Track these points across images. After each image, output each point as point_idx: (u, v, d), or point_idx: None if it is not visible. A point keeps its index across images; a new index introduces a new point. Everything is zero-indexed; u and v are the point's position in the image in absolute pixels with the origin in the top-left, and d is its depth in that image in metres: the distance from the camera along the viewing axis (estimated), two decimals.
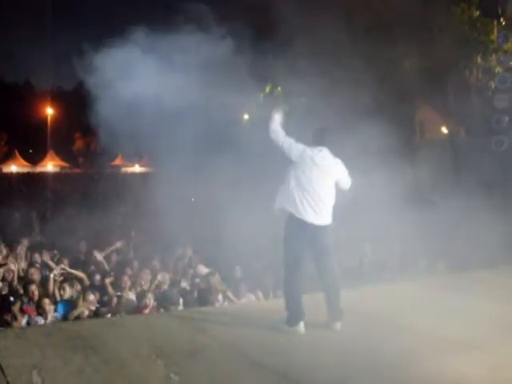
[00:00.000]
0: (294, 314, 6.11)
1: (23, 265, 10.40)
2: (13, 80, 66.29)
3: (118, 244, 12.08)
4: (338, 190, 6.39)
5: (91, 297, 8.77)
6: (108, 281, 9.64)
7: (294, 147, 6.18)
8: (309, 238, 6.13)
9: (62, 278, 9.58)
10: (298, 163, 6.16)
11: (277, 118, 6.27)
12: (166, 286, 9.89)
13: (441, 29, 18.95)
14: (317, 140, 6.32)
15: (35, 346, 5.45)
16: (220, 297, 9.42)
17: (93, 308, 8.62)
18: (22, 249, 11.01)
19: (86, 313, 8.43)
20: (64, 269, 9.80)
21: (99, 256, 11.07)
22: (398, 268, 11.58)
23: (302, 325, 6.08)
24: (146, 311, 8.76)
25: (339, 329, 6.19)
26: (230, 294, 9.56)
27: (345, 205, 6.46)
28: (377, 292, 8.26)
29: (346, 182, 6.45)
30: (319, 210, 6.11)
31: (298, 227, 6.11)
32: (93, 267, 10.81)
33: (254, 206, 11.70)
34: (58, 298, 8.93)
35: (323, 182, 6.18)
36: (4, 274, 9.58)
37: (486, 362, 5.31)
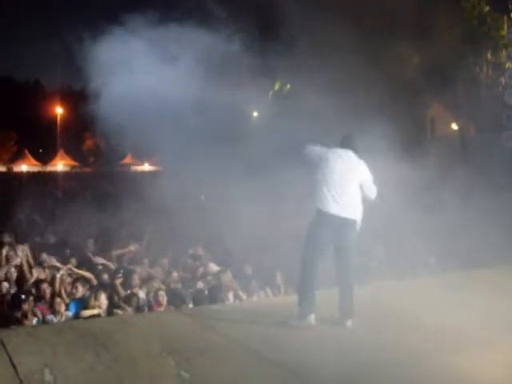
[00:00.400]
0: (306, 307, 6.19)
1: (25, 264, 10.36)
2: (23, 79, 66.67)
3: (132, 247, 12.06)
4: (365, 199, 6.52)
5: (103, 296, 8.77)
6: (118, 281, 9.66)
7: (319, 150, 6.46)
8: (333, 233, 6.24)
9: (71, 277, 9.60)
10: (325, 161, 6.36)
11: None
12: (177, 285, 9.92)
13: (450, 24, 18.86)
14: (343, 144, 6.56)
15: (46, 343, 5.47)
16: (230, 294, 9.43)
17: (104, 307, 8.63)
18: (23, 249, 10.99)
19: (97, 312, 8.44)
20: (71, 269, 9.82)
21: (100, 260, 11.08)
22: (407, 265, 11.55)
23: (312, 317, 6.16)
24: (160, 309, 8.78)
25: (350, 326, 6.22)
26: (240, 292, 9.57)
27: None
28: (388, 289, 8.24)
29: (372, 188, 6.57)
30: (343, 203, 6.22)
31: (323, 222, 6.23)
32: (101, 266, 10.81)
33: (264, 203, 11.71)
34: (66, 297, 8.94)
35: (348, 179, 6.34)
36: (7, 274, 9.60)
37: (499, 361, 5.28)
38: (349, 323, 6.24)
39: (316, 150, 6.50)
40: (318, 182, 6.33)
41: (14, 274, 9.60)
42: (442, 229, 12.44)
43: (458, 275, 9.83)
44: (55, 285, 9.11)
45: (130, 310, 8.66)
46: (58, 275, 9.31)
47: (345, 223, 6.24)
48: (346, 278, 6.34)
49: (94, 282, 9.70)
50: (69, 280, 9.42)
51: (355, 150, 6.53)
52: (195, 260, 11.61)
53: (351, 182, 6.34)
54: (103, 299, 8.67)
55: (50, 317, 8.23)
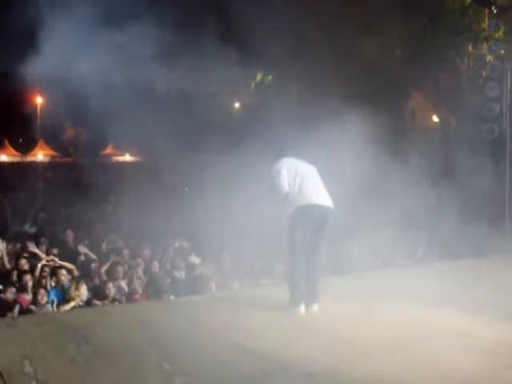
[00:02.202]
0: (296, 296, 6.38)
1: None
2: (1, 68, 65.74)
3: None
4: None
5: (83, 287, 8.74)
6: (103, 270, 9.67)
7: (285, 174, 6.49)
8: (316, 222, 6.45)
9: (51, 267, 9.54)
10: (292, 170, 6.53)
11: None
12: (157, 275, 9.92)
13: (432, 16, 18.91)
14: (280, 156, 6.73)
15: (27, 335, 5.43)
16: (212, 285, 9.43)
17: (84, 298, 8.60)
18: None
19: (77, 303, 8.41)
20: (53, 260, 9.76)
21: (83, 249, 11.04)
22: (388, 255, 11.62)
23: (302, 307, 6.36)
24: (138, 299, 8.77)
25: (316, 310, 6.40)
26: (221, 282, 9.57)
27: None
28: (369, 278, 8.31)
29: None
30: (321, 195, 6.52)
31: (307, 213, 6.41)
32: (82, 257, 10.76)
33: (245, 194, 11.69)
34: (48, 287, 8.90)
35: (315, 176, 6.68)
36: None
37: (475, 349, 5.34)
38: (315, 308, 6.44)
39: (282, 172, 6.52)
40: (293, 187, 6.44)
41: None
42: (422, 219, 12.53)
43: (439, 264, 9.93)
44: (35, 275, 9.07)
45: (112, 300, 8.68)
46: (40, 265, 9.27)
47: (327, 212, 6.50)
48: (316, 263, 6.54)
49: (76, 272, 9.67)
50: (47, 270, 9.36)
51: (293, 154, 6.76)
52: (174, 248, 11.58)
53: (317, 178, 6.68)
54: (84, 289, 8.64)
55: (31, 308, 8.17)
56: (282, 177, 6.43)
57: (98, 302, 8.54)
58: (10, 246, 10.66)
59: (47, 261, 9.61)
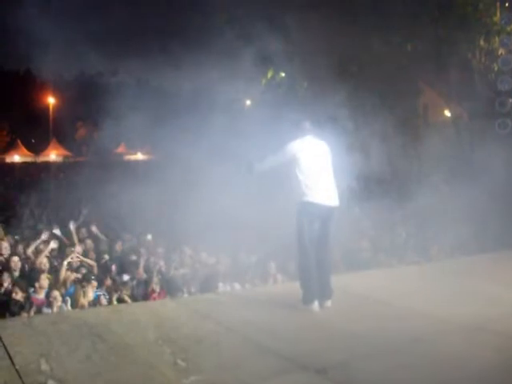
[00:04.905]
0: (310, 293, 6.38)
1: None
2: (13, 69, 66.10)
3: None
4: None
5: (90, 291, 8.75)
6: (114, 266, 9.74)
7: (287, 153, 6.46)
8: (322, 219, 6.46)
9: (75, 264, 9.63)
10: (297, 159, 6.42)
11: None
12: (172, 273, 9.97)
13: (443, 10, 18.79)
14: (298, 132, 6.63)
15: (42, 334, 5.46)
16: (225, 283, 9.46)
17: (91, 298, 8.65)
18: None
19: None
20: (78, 257, 9.85)
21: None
22: (402, 252, 11.59)
23: (316, 303, 6.36)
24: (154, 296, 8.82)
25: (330, 306, 6.42)
26: (234, 280, 9.60)
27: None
28: (381, 276, 8.30)
29: None
30: (328, 193, 6.47)
31: (312, 210, 6.39)
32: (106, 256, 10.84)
33: (257, 194, 11.71)
34: (68, 285, 8.95)
35: (326, 166, 6.57)
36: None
37: (491, 344, 5.33)
38: (329, 304, 6.45)
39: (287, 150, 6.49)
40: (300, 176, 6.41)
41: (18, 263, 9.53)
42: (435, 215, 12.49)
43: (452, 261, 9.89)
44: (61, 273, 9.12)
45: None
46: (65, 262, 9.34)
47: (332, 211, 6.51)
48: (324, 260, 6.55)
49: (96, 269, 9.74)
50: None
51: (311, 133, 6.65)
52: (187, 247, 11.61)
53: (329, 168, 6.59)
54: (91, 294, 8.67)
55: (45, 308, 8.21)
56: (296, 164, 6.40)
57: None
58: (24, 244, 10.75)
59: (71, 258, 9.70)
